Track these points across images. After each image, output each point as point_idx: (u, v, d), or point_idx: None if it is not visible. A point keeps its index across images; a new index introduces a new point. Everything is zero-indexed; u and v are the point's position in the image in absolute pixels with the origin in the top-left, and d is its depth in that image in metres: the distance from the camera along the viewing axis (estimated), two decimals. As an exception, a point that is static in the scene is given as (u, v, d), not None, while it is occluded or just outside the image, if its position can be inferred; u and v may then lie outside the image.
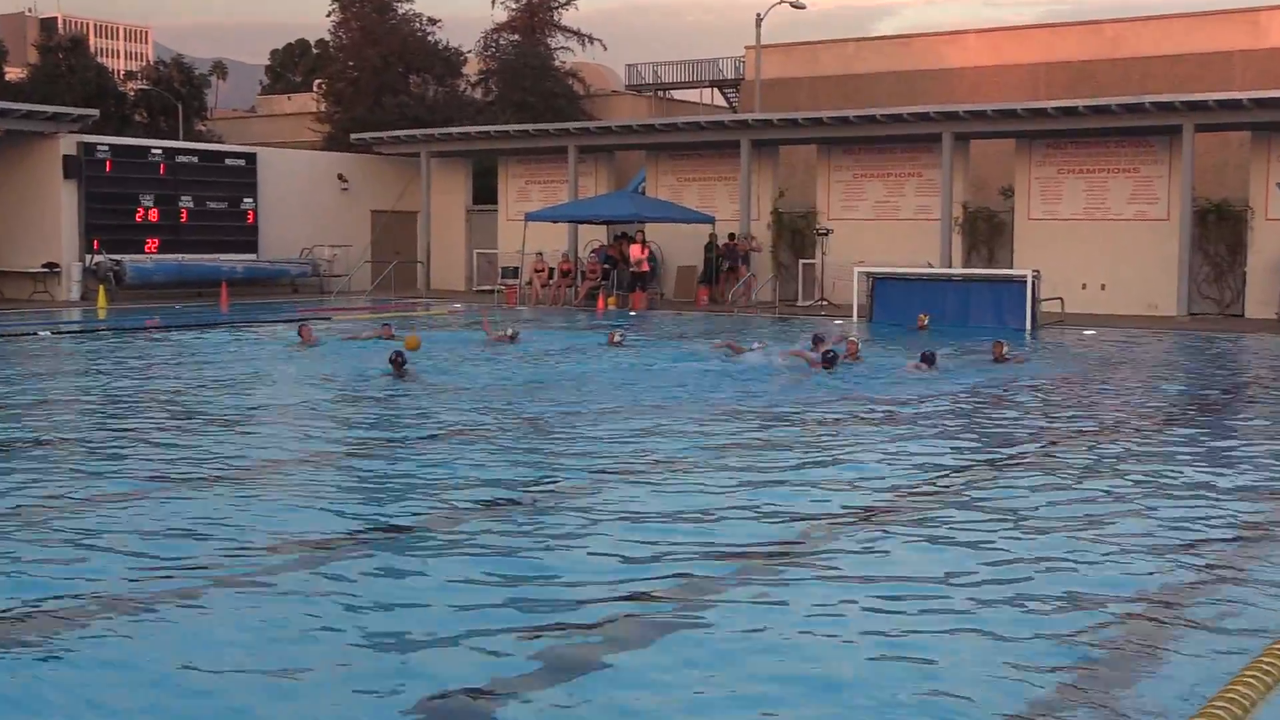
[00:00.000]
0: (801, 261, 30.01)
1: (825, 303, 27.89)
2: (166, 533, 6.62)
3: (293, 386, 13.65)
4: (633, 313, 27.29)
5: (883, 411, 11.77)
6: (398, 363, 13.87)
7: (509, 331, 18.26)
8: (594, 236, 32.83)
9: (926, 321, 21.67)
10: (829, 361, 14.59)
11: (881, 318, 23.63)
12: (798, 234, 30.71)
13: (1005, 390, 13.66)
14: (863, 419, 11.32)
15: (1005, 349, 16.15)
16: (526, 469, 8.76)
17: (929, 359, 14.96)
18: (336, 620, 5.26)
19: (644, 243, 29.27)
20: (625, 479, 8.35)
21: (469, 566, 6.10)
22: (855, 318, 24.33)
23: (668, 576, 5.92)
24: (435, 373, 14.40)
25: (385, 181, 36.27)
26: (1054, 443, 10.19)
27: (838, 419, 11.24)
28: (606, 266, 30.15)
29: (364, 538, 6.70)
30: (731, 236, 30.18)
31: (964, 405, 12.55)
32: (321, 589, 5.68)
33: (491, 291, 32.15)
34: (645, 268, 28.94)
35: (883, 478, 8.47)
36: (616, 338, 18.05)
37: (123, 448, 9.54)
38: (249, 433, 10.44)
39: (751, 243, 29.84)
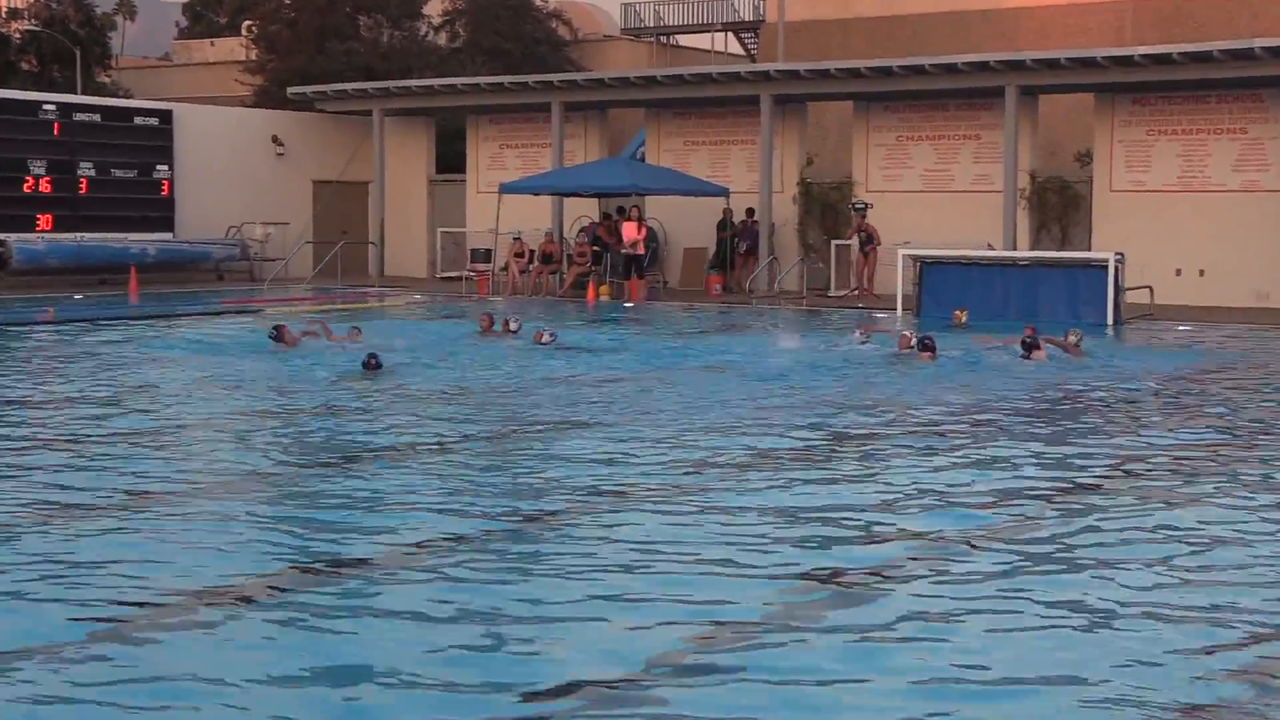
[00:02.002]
0: (834, 243, 30.19)
1: (863, 291, 28.02)
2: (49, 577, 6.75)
3: (214, 394, 13.96)
4: (629, 304, 27.50)
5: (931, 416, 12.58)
6: (372, 365, 14.83)
7: (512, 326, 18.65)
8: (583, 212, 32.93)
9: (965, 318, 21.70)
10: (926, 348, 16.36)
11: (932, 310, 23.74)
12: (830, 209, 30.89)
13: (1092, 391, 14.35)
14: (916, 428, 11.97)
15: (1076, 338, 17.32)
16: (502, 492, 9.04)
17: (929, 346, 16.65)
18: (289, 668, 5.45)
19: (641, 220, 29.44)
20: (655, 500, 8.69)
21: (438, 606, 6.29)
22: (899, 310, 24.50)
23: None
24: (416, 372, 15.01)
25: (330, 145, 36.46)
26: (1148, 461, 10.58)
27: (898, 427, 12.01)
28: (598, 249, 30.34)
29: (322, 573, 6.92)
30: (749, 212, 30.44)
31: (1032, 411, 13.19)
32: (264, 634, 5.89)
33: (459, 279, 32.29)
34: (641, 250, 29.15)
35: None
36: (545, 338, 18.24)
37: (6, 473, 9.64)
38: (160, 452, 10.61)
39: (751, 221, 30.16)
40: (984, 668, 5.54)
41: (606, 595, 6.45)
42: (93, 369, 15.94)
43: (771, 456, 10.41)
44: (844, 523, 8.11)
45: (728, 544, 7.47)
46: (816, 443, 11.15)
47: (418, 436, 11.15)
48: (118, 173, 32.10)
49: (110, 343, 19.18)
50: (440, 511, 8.26)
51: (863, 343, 18.30)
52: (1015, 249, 27.20)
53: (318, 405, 13.00)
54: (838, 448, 10.94)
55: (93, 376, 15.23)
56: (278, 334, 17.29)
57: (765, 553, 7.30)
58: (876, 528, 7.98)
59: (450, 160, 37.00)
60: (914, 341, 17.24)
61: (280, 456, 10.44)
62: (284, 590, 6.55)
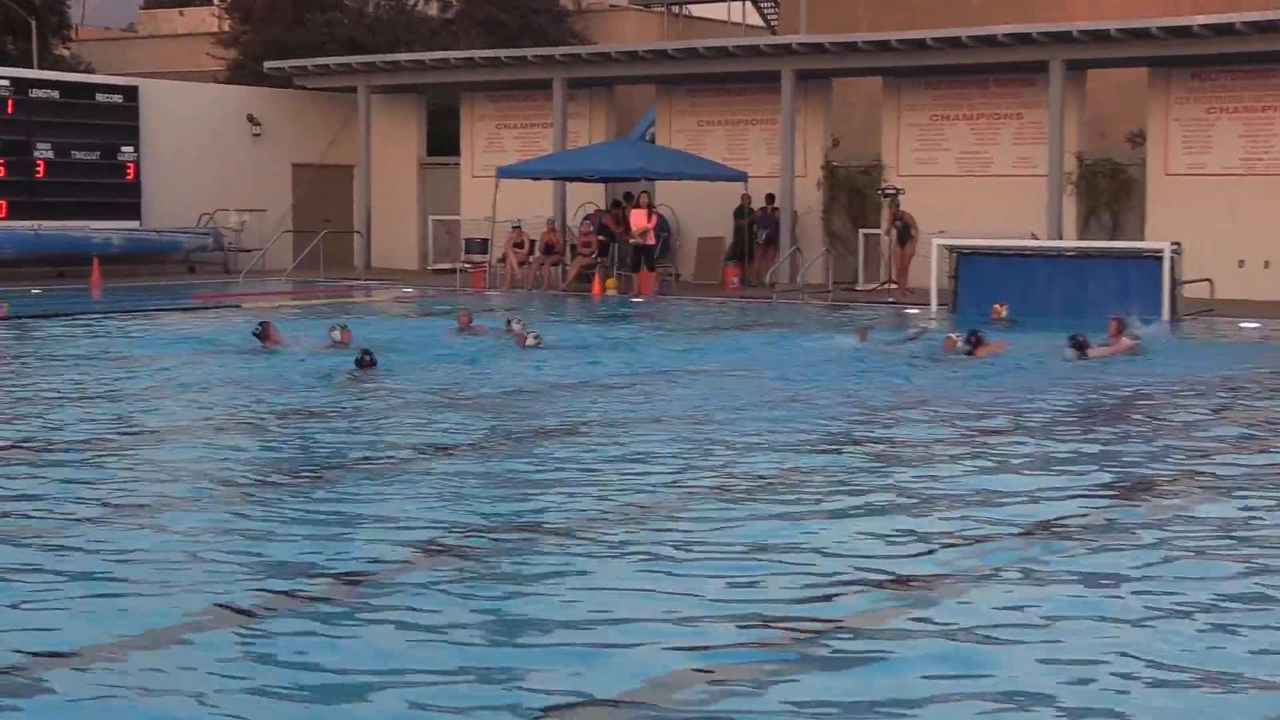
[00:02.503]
0: (862, 231, 30.26)
1: (894, 285, 28.05)
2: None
3: (184, 398, 14.06)
4: (638, 299, 27.58)
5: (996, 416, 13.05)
6: (366, 363, 15.11)
7: (531, 335, 18.33)
8: (588, 199, 32.96)
9: (1005, 312, 21.70)
10: (1079, 347, 16.89)
11: (969, 306, 23.78)
12: (857, 194, 30.89)
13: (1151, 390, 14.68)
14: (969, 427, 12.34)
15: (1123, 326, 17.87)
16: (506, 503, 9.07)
17: (980, 341, 17.27)
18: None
19: (651, 207, 29.49)
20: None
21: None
22: (934, 305, 24.54)
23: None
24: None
25: (311, 125, 36.58)
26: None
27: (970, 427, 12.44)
28: (603, 238, 30.50)
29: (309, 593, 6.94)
30: (769, 199, 30.48)
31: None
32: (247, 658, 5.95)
33: (453, 271, 32.32)
34: (651, 240, 29.19)
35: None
36: (530, 340, 18.03)
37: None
38: (126, 461, 10.64)
39: (771, 208, 30.14)
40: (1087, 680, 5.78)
41: (607, 618, 6.55)
42: (51, 370, 15.96)
43: (799, 470, 10.40)
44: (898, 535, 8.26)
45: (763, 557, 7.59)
46: (861, 448, 11.29)
47: (403, 446, 11.22)
48: (79, 155, 32.12)
49: (71, 340, 19.20)
50: (427, 527, 8.32)
51: (860, 343, 18.50)
52: (1061, 238, 27.14)
53: (297, 410, 13.08)
54: (890, 453, 11.14)
55: (51, 378, 15.24)
56: (262, 331, 17.24)
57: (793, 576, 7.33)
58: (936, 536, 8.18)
59: (442, 142, 37.06)
60: (960, 343, 17.48)
61: (259, 466, 10.46)
62: (266, 611, 6.60)
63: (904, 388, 15.14)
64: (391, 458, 10.74)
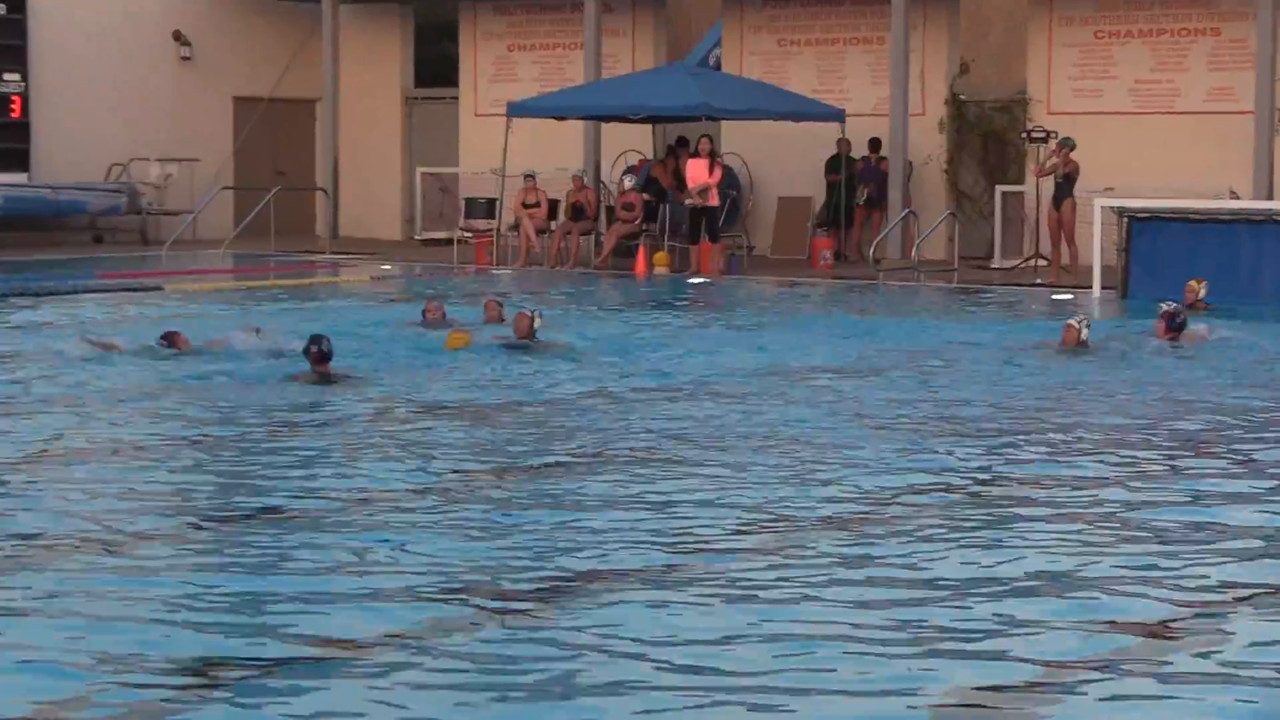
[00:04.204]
0: (1000, 189, 30.21)
1: (1044, 261, 28.09)
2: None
3: (90, 411, 14.09)
4: (697, 280, 27.64)
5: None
6: (317, 356, 15.11)
7: (531, 314, 18.21)
8: (631, 145, 32.99)
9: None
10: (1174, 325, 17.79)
11: (1145, 286, 23.84)
12: (993, 139, 31.03)
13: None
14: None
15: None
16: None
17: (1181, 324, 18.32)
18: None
19: (714, 157, 29.39)
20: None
21: None
22: (1096, 288, 24.69)
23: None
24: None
25: (258, 46, 36.72)
26: None
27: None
28: (650, 198, 30.35)
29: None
30: (874, 146, 30.48)
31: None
32: None
33: (449, 242, 32.42)
34: (715, 200, 29.14)
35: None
36: (536, 321, 17.94)
37: None
38: (25, 493, 10.83)
39: (876, 158, 30.15)
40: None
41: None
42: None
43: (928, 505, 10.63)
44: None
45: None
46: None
47: (389, 478, 11.35)
48: None
49: None
50: (418, 583, 8.46)
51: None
52: (1273, 198, 26.98)
53: (245, 428, 13.25)
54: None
55: None
56: (169, 340, 17.23)
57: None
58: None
59: (435, 68, 37.27)
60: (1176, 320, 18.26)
61: (186, 504, 10.55)
62: (217, 685, 6.81)
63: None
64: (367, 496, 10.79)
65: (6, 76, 32.99)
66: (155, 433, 13.25)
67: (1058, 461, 12.12)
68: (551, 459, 12.18)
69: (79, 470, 11.74)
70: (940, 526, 9.88)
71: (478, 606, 8.03)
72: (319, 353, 15.05)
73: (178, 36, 35.69)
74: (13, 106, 33.10)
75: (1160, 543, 9.59)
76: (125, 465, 11.88)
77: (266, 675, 6.95)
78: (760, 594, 8.28)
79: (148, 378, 15.83)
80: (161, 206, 34.27)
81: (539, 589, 8.41)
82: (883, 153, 30.26)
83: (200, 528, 9.80)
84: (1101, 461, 12.09)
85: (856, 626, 7.67)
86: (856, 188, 30.45)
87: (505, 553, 9.14)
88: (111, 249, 32.53)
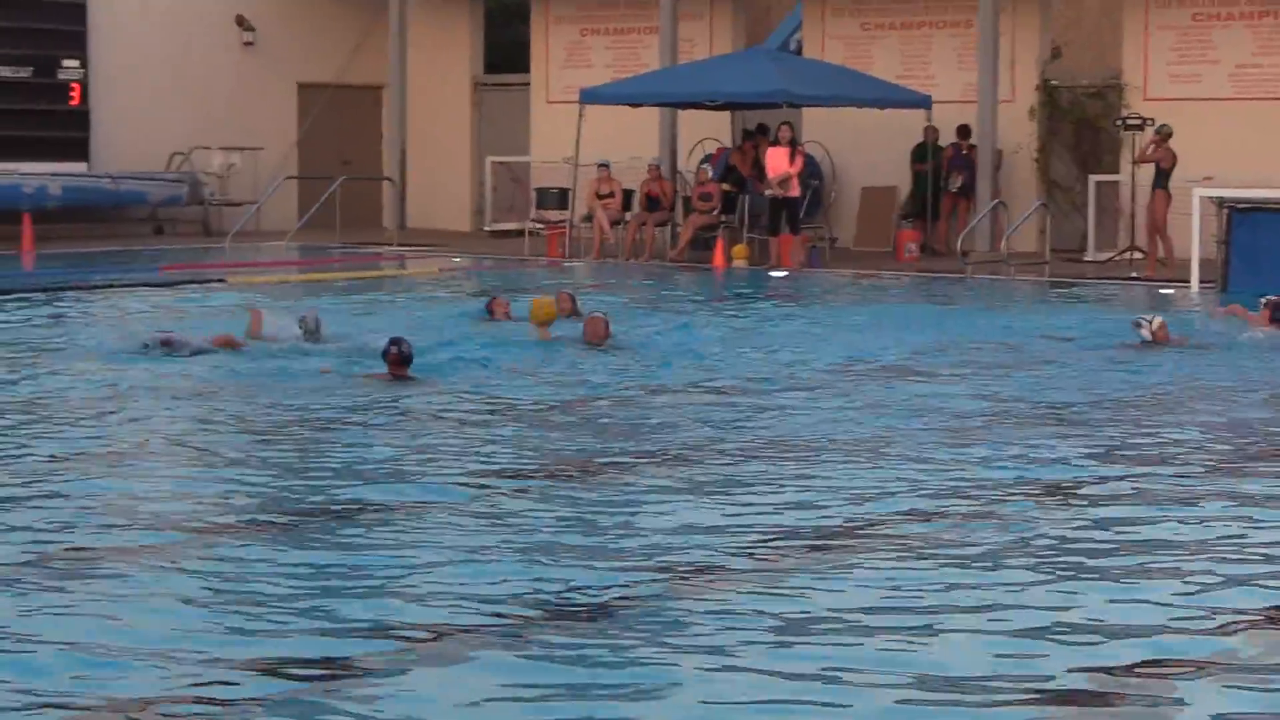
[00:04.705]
0: (1094, 179, 29.97)
1: (1139, 255, 27.98)
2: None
3: (148, 407, 14.12)
4: (780, 273, 27.63)
5: None
6: (396, 359, 15.16)
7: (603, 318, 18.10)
8: (708, 133, 32.87)
9: None
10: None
11: (1244, 280, 23.58)
12: (1086, 126, 30.93)
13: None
14: None
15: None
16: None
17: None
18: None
19: (795, 145, 29.23)
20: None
21: None
22: (1194, 282, 24.48)
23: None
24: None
25: (323, 30, 36.72)
26: None
27: None
28: (730, 188, 30.25)
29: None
30: (963, 133, 30.31)
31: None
32: None
33: (520, 234, 32.50)
34: (796, 190, 28.93)
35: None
36: (577, 305, 18.47)
37: None
38: (76, 491, 10.74)
39: (965, 146, 30.04)
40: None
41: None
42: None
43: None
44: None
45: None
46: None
47: (451, 476, 11.54)
48: (3, 71, 32.48)
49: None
50: (478, 586, 8.51)
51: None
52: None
53: (300, 425, 13.46)
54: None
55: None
56: (167, 344, 17.05)
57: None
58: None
59: (506, 54, 37.41)
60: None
61: (251, 505, 10.63)
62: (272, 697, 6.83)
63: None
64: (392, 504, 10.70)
65: (66, 63, 33.20)
66: (232, 429, 13.34)
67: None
68: (627, 456, 12.26)
69: (144, 467, 11.78)
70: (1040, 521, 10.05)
71: (545, 605, 8.16)
72: (399, 354, 15.12)
73: (240, 21, 35.79)
74: (72, 94, 33.33)
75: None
76: (210, 463, 11.98)
77: (341, 669, 7.15)
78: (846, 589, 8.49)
79: (211, 374, 15.86)
80: (224, 197, 34.51)
81: (610, 589, 8.50)
82: (971, 140, 30.12)
83: (273, 523, 9.99)
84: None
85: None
86: (949, 177, 30.22)
87: (575, 551, 9.25)
88: (172, 240, 32.76)
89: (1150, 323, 18.01)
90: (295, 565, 8.96)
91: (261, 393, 14.86)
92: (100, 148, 33.32)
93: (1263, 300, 18.86)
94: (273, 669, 7.11)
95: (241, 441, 12.78)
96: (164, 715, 6.53)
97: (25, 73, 32.54)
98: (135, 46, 33.99)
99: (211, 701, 6.65)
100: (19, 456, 12.06)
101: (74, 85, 33.10)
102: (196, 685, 6.86)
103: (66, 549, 9.16)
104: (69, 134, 32.97)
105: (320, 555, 9.23)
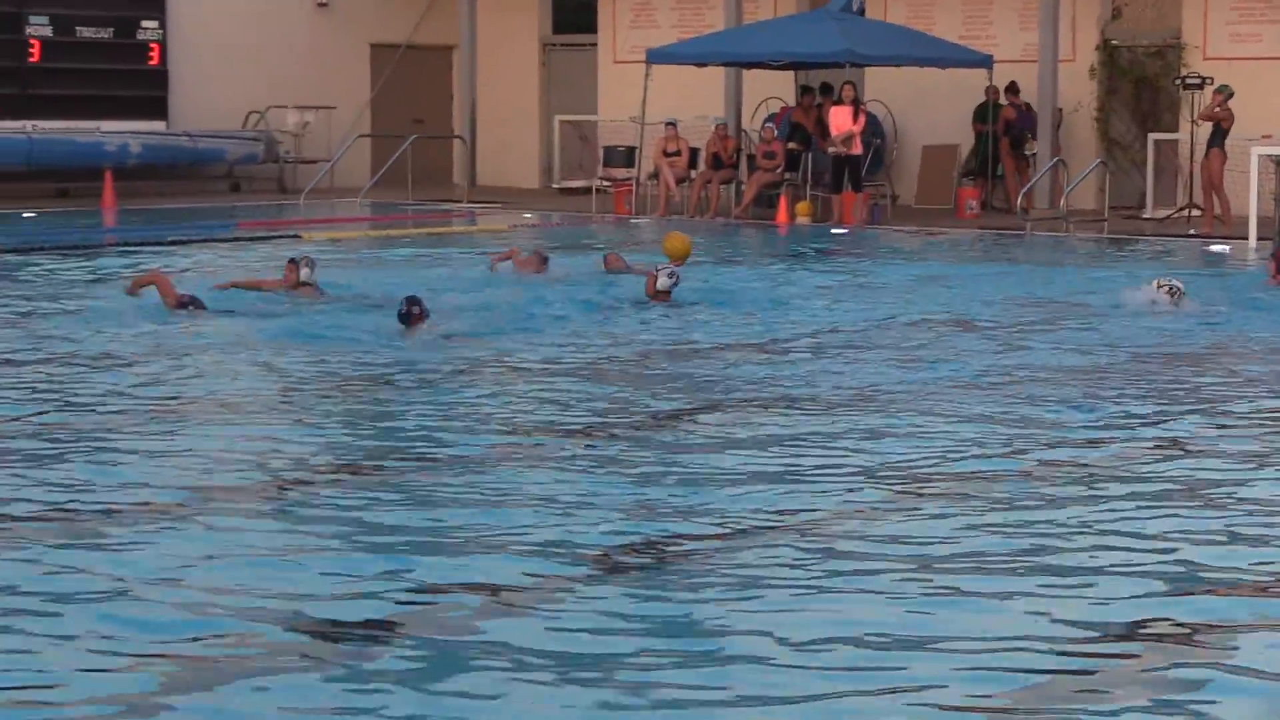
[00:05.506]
0: (1153, 137, 30.02)
1: (1197, 212, 27.97)
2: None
3: (222, 362, 14.14)
4: (841, 230, 27.71)
5: None
6: (412, 315, 14.92)
7: (662, 272, 17.85)
8: (772, 93, 33.01)
9: None
10: None
11: None
12: (1146, 85, 31.12)
13: None
14: None
15: None
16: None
17: None
18: None
19: (858, 104, 29.37)
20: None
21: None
22: (1252, 239, 24.44)
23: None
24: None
25: None
26: None
27: None
28: (794, 147, 30.39)
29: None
30: (1011, 90, 30.49)
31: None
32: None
33: (588, 191, 32.64)
34: (858, 148, 28.96)
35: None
36: (663, 279, 17.54)
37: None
38: (139, 447, 10.76)
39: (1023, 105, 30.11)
40: None
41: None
42: (52, 321, 16.16)
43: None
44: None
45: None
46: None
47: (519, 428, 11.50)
48: (85, 32, 32.63)
49: (76, 282, 19.43)
50: (544, 535, 8.53)
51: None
52: None
53: (366, 383, 13.32)
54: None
55: (51, 331, 15.41)
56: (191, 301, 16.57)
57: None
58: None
59: (574, 15, 37.59)
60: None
61: (316, 456, 10.62)
62: (335, 638, 6.89)
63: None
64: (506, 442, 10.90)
65: (145, 24, 33.38)
66: (300, 382, 13.35)
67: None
68: (696, 408, 12.21)
69: (225, 419, 11.91)
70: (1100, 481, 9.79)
71: (607, 556, 8.11)
72: (423, 314, 14.89)
73: None
74: (151, 54, 33.51)
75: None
76: (280, 417, 12.02)
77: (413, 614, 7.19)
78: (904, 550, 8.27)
79: (289, 326, 15.80)
80: (299, 155, 34.73)
81: (670, 537, 8.48)
82: (1019, 97, 30.46)
83: (343, 478, 9.91)
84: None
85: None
86: (1025, 139, 30.33)
87: (635, 504, 9.17)
88: (248, 197, 32.95)
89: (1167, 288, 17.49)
90: (363, 515, 8.90)
91: (318, 346, 14.66)
92: (178, 106, 33.68)
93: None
94: (344, 613, 7.12)
95: (301, 396, 12.79)
96: (243, 656, 6.61)
97: (106, 34, 32.73)
98: (212, 7, 34.36)
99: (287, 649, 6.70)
100: (92, 409, 12.10)
101: (153, 45, 33.36)
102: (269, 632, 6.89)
103: (137, 504, 9.12)
104: (148, 93, 33.21)
105: (392, 508, 9.09)
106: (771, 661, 6.57)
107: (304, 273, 17.34)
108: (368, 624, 6.98)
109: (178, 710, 6.00)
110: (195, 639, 6.76)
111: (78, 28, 32.46)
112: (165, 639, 6.76)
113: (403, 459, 10.46)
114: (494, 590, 7.50)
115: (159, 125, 33.17)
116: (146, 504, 9.16)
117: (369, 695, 6.08)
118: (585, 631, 6.90)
